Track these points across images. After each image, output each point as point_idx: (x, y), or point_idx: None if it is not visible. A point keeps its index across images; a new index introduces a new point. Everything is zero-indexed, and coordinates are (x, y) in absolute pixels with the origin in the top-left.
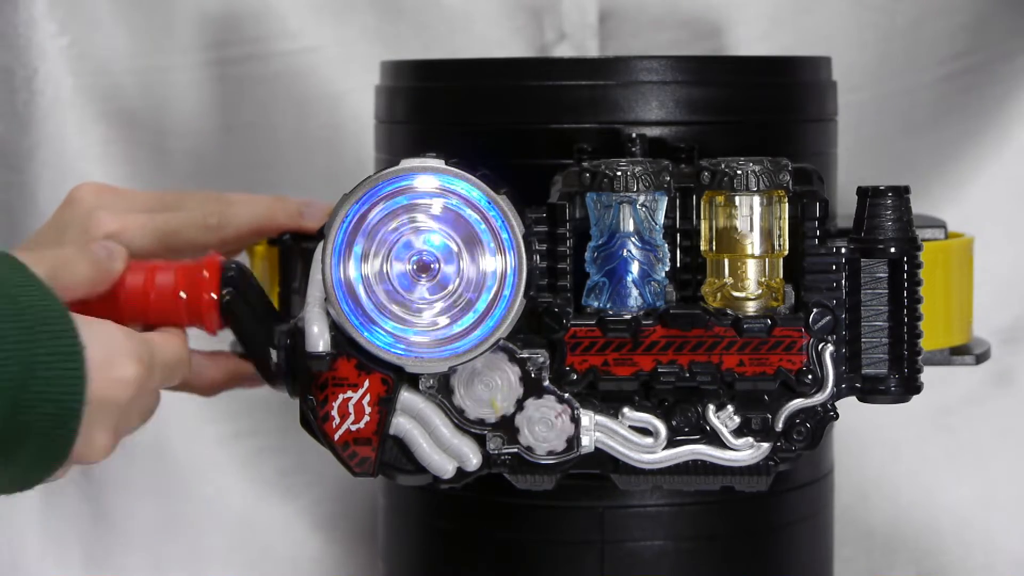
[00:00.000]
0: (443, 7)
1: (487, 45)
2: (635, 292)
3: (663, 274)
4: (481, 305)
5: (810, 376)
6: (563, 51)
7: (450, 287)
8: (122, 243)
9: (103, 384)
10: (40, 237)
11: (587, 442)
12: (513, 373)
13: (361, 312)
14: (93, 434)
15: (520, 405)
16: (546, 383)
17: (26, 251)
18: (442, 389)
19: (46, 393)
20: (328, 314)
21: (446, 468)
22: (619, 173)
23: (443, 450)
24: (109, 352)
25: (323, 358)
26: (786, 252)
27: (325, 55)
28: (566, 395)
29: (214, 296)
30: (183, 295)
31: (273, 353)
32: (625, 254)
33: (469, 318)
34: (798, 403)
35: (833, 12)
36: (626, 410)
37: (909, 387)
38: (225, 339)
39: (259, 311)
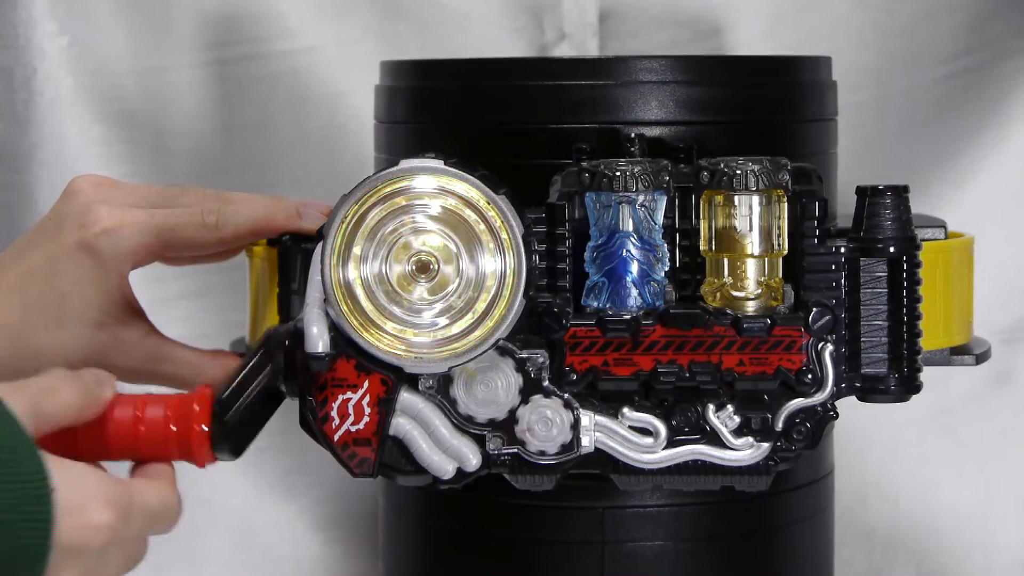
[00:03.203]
0: (443, 7)
1: (487, 45)
2: (635, 292)
3: (662, 274)
4: (481, 305)
5: (810, 376)
6: (563, 51)
7: (449, 287)
8: (119, 239)
9: (72, 529)
10: (39, 229)
11: (587, 442)
12: (513, 373)
13: (360, 313)
14: None
15: (520, 404)
16: (546, 383)
17: (17, 263)
18: (441, 389)
19: (10, 536)
20: (327, 315)
21: (446, 468)
22: (618, 173)
23: (443, 450)
24: (81, 496)
25: (322, 359)
26: (785, 252)
27: (325, 55)
28: (566, 395)
29: (204, 429)
30: (173, 428)
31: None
32: (624, 254)
33: (469, 319)
34: (798, 403)
35: (833, 12)
36: (626, 410)
37: (909, 386)
38: (225, 338)
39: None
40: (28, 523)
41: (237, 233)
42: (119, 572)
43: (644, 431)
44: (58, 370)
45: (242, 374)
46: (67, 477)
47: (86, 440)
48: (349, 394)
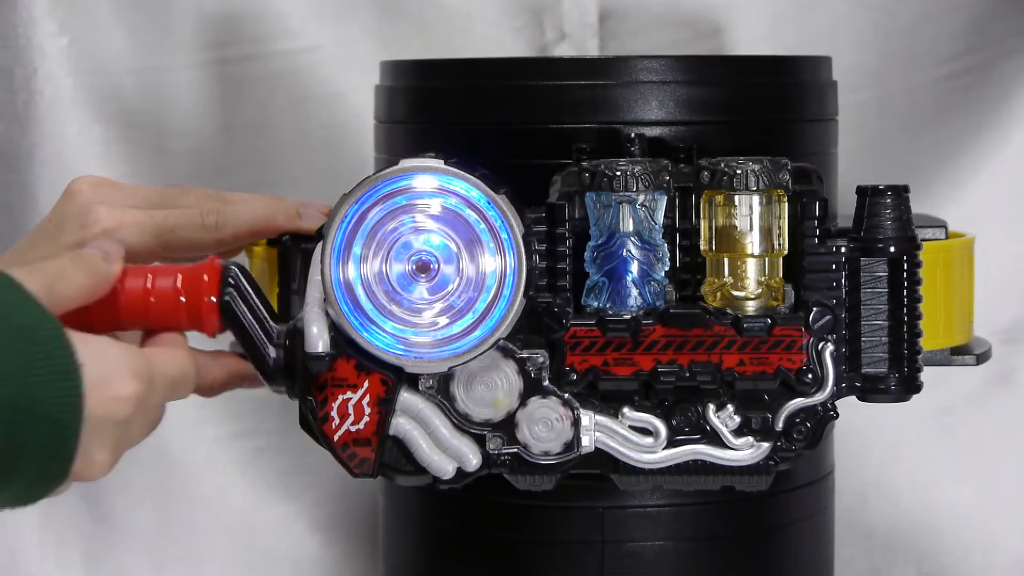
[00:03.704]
0: (443, 7)
1: (487, 45)
2: (635, 292)
3: (663, 274)
4: (481, 305)
5: (810, 375)
6: (563, 51)
7: (449, 287)
8: (118, 240)
9: (101, 402)
10: (39, 230)
11: (587, 442)
12: (513, 373)
13: (360, 312)
14: (92, 451)
15: (521, 403)
16: (546, 383)
17: (19, 265)
18: (441, 389)
19: (43, 413)
20: (327, 314)
21: (446, 468)
22: (618, 173)
23: (443, 450)
24: (107, 369)
25: (322, 358)
26: (786, 251)
27: (325, 55)
28: (566, 395)
29: (213, 299)
30: (183, 298)
31: (272, 350)
32: (625, 254)
33: (469, 318)
34: (798, 402)
35: (834, 12)
36: (626, 410)
37: (909, 386)
38: (225, 339)
39: (258, 312)
40: (60, 399)
41: (237, 234)
42: (141, 437)
43: (644, 431)
44: (67, 252)
45: None
46: (92, 352)
47: (98, 313)
48: (349, 394)
